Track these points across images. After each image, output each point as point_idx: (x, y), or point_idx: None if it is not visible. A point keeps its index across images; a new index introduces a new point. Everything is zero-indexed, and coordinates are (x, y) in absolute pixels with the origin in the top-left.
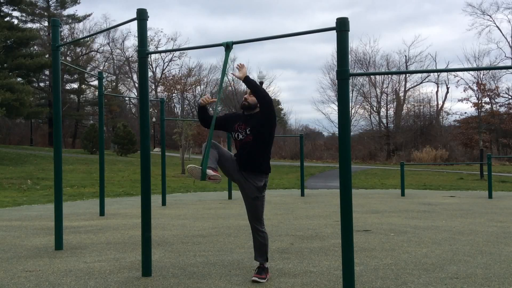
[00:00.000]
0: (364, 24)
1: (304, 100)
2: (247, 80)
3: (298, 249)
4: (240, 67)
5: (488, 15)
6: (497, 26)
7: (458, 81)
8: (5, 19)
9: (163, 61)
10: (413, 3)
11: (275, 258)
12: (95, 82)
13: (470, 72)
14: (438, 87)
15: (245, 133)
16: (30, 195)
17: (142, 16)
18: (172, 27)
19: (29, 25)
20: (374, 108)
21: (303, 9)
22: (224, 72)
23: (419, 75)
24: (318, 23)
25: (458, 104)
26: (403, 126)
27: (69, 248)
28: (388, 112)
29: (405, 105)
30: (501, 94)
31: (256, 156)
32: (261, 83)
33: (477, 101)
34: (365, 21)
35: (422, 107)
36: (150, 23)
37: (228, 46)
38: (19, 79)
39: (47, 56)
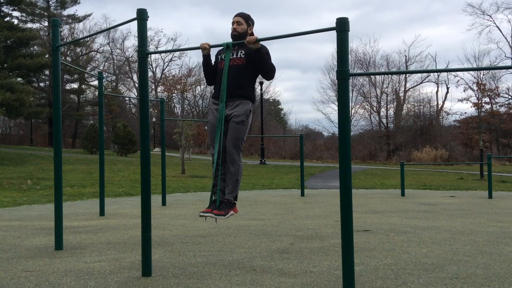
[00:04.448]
0: (372, 24)
1: (307, 100)
2: (260, 51)
3: (298, 249)
4: (252, 37)
5: (488, 15)
6: (497, 26)
7: (458, 81)
8: (5, 19)
9: (163, 61)
10: (422, 3)
11: (275, 258)
12: (95, 82)
13: (470, 72)
14: (438, 87)
15: (236, 54)
16: (30, 195)
17: (142, 16)
18: (180, 27)
19: (29, 25)
20: (374, 108)
21: (312, 10)
22: (226, 73)
23: (419, 75)
24: (326, 23)
25: (458, 104)
26: (403, 126)
27: (69, 248)
28: (388, 112)
29: (405, 105)
30: (501, 94)
31: (248, 80)
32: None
33: (477, 101)
34: (373, 21)
35: (422, 107)
36: (157, 23)
37: (228, 47)
38: (19, 79)
39: (47, 56)
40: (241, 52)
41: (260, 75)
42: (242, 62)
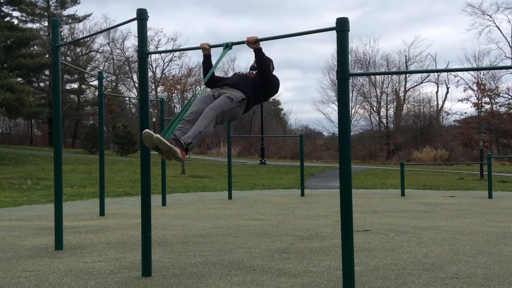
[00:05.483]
0: (372, 24)
1: (307, 100)
2: (260, 51)
3: (298, 249)
4: (252, 37)
5: (488, 15)
6: (497, 26)
7: (458, 81)
8: (5, 19)
9: (163, 61)
10: (422, 3)
11: (275, 258)
12: (95, 82)
13: (470, 72)
14: (438, 87)
15: (249, 71)
16: (30, 195)
17: (142, 16)
18: (181, 27)
19: (29, 25)
20: (374, 108)
21: (312, 10)
22: (215, 66)
23: (419, 75)
24: (327, 23)
25: (458, 104)
26: (403, 126)
27: (69, 248)
28: (388, 112)
29: (405, 105)
30: (501, 94)
31: (252, 86)
32: None
33: (477, 101)
34: (374, 21)
35: (422, 107)
36: (157, 23)
37: (227, 46)
38: (19, 79)
39: (47, 56)
40: (254, 72)
41: (263, 88)
42: (253, 76)
